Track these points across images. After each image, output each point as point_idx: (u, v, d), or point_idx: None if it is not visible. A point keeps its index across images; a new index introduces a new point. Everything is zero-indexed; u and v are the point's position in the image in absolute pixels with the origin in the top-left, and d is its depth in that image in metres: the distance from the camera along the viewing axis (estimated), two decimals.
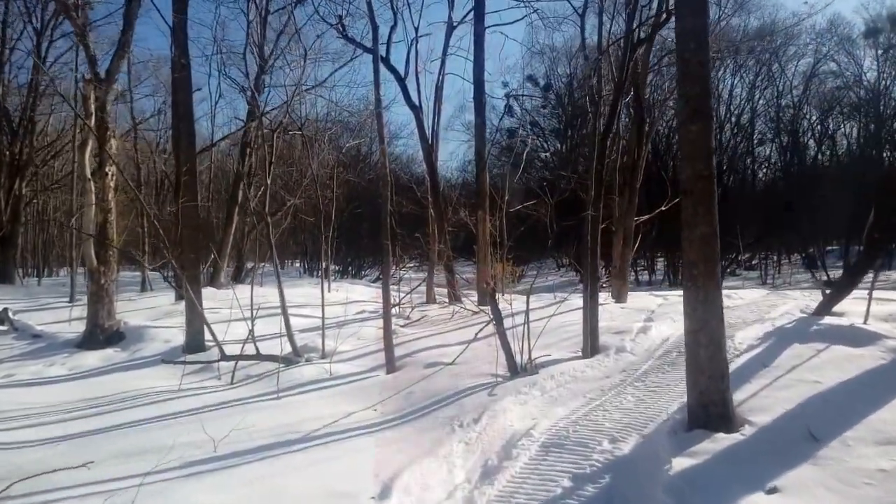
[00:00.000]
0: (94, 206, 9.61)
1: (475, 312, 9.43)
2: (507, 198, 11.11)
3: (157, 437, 4.99)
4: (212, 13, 42.82)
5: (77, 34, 9.64)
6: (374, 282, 21.79)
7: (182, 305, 10.02)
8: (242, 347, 7.56)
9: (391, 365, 6.93)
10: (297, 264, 30.47)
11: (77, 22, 9.49)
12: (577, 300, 8.82)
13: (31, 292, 17.21)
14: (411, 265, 18.19)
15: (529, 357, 6.00)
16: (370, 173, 24.44)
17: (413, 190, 15.83)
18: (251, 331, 7.42)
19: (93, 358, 8.97)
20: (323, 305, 8.54)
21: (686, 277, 4.08)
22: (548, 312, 7.99)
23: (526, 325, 6.11)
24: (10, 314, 11.96)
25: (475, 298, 11.45)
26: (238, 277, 19.17)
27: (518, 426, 4.76)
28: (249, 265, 19.36)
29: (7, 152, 19.66)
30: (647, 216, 11.29)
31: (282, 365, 7.02)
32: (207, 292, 12.95)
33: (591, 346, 6.39)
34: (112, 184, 9.91)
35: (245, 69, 15.18)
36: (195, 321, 8.71)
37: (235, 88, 19.38)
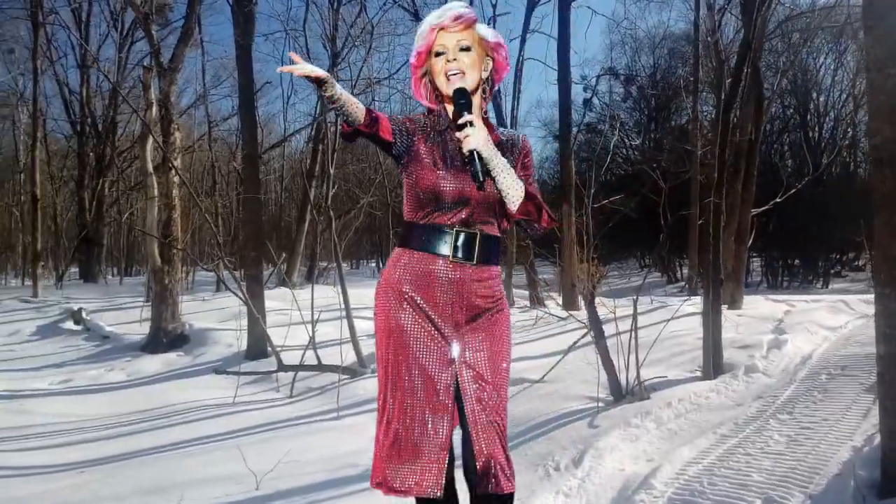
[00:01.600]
0: (156, 203, 9.18)
1: (562, 319, 8.34)
2: (593, 190, 9.89)
3: (193, 465, 4.24)
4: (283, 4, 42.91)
5: (139, 21, 9.24)
6: None
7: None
8: (303, 355, 6.81)
9: None
10: (372, 263, 30.10)
11: (140, 10, 9.08)
12: (685, 306, 7.61)
13: (110, 291, 17.38)
14: None
15: (637, 377, 4.88)
16: None
17: None
18: (311, 337, 6.66)
19: (154, 362, 8.53)
20: None
21: (881, 281, 2.91)
22: (651, 320, 6.84)
23: (633, 336, 4.99)
24: (84, 314, 11.83)
25: (560, 301, 10.31)
26: (311, 277, 18.85)
27: (631, 471, 3.69)
28: (323, 264, 18.99)
29: (92, 153, 20.16)
30: (763, 207, 9.78)
31: (344, 377, 6.20)
32: (278, 293, 12.43)
33: (714, 363, 5.19)
34: (176, 179, 9.46)
35: (306, 48, 14.65)
36: (257, 325, 8.05)
37: (309, 86, 18.98)
